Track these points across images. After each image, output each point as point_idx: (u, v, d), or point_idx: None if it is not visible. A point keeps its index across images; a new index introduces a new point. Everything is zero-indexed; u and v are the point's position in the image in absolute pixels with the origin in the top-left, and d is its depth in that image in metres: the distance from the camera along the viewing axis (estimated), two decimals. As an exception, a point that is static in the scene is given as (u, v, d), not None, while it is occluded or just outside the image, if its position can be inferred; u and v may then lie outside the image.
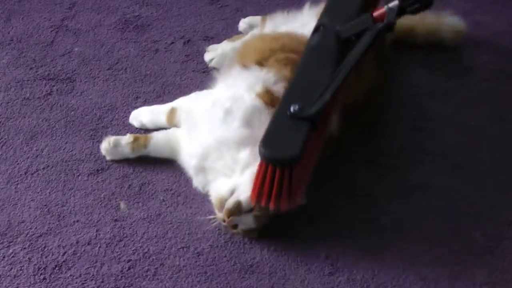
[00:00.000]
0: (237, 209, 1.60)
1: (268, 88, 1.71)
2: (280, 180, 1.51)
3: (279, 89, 1.70)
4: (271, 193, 1.53)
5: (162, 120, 1.85)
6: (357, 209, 1.74)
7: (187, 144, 1.74)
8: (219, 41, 2.15)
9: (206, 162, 1.68)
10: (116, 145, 1.81)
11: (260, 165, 1.53)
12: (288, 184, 1.52)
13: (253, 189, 1.56)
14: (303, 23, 1.91)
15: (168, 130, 1.83)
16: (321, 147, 1.67)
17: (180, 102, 1.85)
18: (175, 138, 1.79)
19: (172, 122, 1.83)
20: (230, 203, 1.61)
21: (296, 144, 1.50)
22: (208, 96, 1.79)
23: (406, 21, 2.08)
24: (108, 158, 1.82)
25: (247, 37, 2.05)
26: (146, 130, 1.89)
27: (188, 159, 1.73)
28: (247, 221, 1.62)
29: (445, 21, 2.12)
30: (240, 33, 2.20)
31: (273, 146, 1.52)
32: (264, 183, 1.53)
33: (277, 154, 1.51)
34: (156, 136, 1.82)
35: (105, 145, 1.82)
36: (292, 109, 1.53)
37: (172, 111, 1.83)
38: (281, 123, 1.54)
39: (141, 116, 1.90)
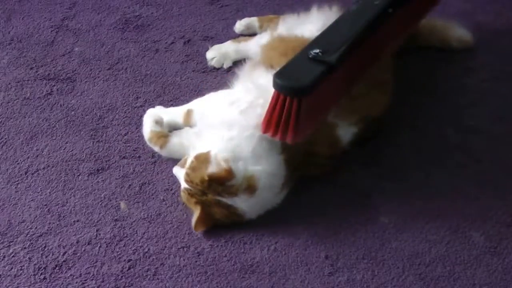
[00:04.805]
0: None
1: None
2: (289, 110, 1.60)
3: None
4: (279, 124, 1.62)
5: (179, 121, 1.85)
6: (357, 209, 1.74)
7: (201, 142, 1.74)
8: (219, 41, 2.16)
9: None
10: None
11: (273, 96, 1.62)
12: (296, 116, 1.59)
13: (264, 119, 1.64)
14: (317, 25, 1.91)
15: (181, 133, 1.83)
16: (337, 101, 1.74)
17: (196, 103, 1.86)
18: (188, 141, 1.78)
19: (188, 123, 1.84)
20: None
21: (308, 79, 1.60)
22: (227, 96, 1.81)
23: None
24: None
25: (265, 38, 2.02)
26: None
27: None
28: None
29: (453, 32, 2.12)
30: (241, 35, 2.20)
31: (286, 77, 1.61)
32: (273, 113, 1.62)
33: (288, 84, 1.60)
34: (173, 141, 1.81)
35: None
36: (313, 52, 1.63)
37: (189, 113, 1.84)
38: (300, 63, 1.65)
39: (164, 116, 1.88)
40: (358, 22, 1.72)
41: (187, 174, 1.66)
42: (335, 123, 1.76)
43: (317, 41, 1.69)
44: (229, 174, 1.61)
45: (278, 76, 1.61)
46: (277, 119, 1.62)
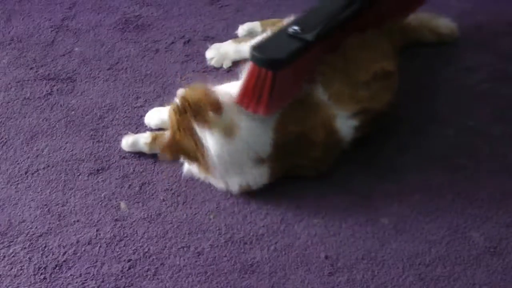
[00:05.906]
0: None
1: None
2: (264, 83, 1.65)
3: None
4: (254, 97, 1.67)
5: None
6: (357, 210, 1.74)
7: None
8: (219, 41, 2.15)
9: None
10: (134, 144, 1.85)
11: (249, 69, 1.68)
12: (270, 88, 1.65)
13: (240, 91, 1.69)
14: None
15: None
16: (305, 77, 1.78)
17: None
18: None
19: None
20: None
21: (285, 53, 1.67)
22: (226, 87, 1.82)
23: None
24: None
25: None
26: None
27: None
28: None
29: (439, 20, 2.15)
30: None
31: (263, 51, 1.67)
32: (249, 85, 1.67)
33: (264, 56, 1.66)
34: None
35: (124, 143, 1.85)
36: (292, 29, 1.71)
37: None
38: (279, 39, 1.72)
39: (161, 114, 1.89)
40: (337, 4, 1.80)
41: (186, 90, 1.70)
42: (334, 113, 1.75)
43: (298, 20, 1.77)
44: (219, 110, 1.66)
45: (255, 49, 1.67)
46: (252, 92, 1.66)
